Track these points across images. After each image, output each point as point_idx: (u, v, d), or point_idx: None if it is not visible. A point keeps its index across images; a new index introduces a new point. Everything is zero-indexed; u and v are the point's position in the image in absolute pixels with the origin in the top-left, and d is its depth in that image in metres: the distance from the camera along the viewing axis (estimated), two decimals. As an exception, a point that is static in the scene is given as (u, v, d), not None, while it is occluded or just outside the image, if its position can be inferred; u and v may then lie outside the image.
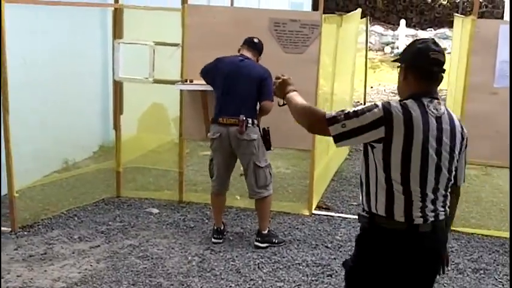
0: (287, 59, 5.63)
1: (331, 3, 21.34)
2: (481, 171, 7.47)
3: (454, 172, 2.73)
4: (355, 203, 6.31)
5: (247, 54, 5.12)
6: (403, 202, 2.63)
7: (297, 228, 5.54)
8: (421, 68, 2.68)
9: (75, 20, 6.89)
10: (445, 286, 4.55)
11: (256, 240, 5.13)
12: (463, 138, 2.75)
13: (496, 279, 4.69)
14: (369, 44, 19.92)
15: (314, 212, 5.90)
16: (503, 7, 20.73)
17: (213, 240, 5.18)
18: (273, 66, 5.60)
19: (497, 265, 4.95)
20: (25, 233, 5.26)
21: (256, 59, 5.17)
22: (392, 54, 18.83)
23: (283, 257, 4.92)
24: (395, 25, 20.50)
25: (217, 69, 5.10)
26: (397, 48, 19.03)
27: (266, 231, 5.15)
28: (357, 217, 5.78)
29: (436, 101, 2.70)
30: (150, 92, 6.44)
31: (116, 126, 6.18)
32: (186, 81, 5.78)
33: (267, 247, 5.08)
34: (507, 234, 5.56)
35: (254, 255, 4.94)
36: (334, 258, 4.93)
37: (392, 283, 2.73)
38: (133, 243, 5.10)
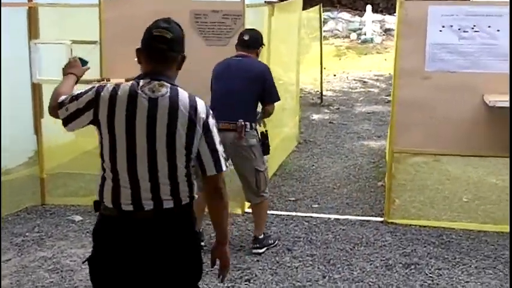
0: (210, 52, 5.34)
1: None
2: (430, 157, 7.23)
3: (183, 159, 2.52)
4: (292, 198, 6.06)
5: (243, 52, 4.80)
6: (111, 188, 2.55)
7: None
8: (146, 47, 2.56)
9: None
10: (370, 285, 4.31)
11: (255, 248, 4.84)
12: (191, 123, 2.51)
13: (427, 275, 4.45)
14: (336, 31, 19.79)
15: (247, 210, 5.63)
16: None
17: None
18: (195, 60, 5.24)
19: (430, 258, 4.71)
20: None
21: (256, 54, 4.85)
22: (360, 41, 18.58)
23: (203, 262, 4.63)
24: (362, 11, 20.22)
25: (213, 72, 4.83)
26: (365, 34, 18.77)
27: (262, 236, 4.89)
28: (291, 213, 5.63)
29: (156, 82, 2.51)
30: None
31: (37, 130, 5.87)
32: (104, 80, 5.47)
33: (265, 251, 4.84)
34: (446, 224, 5.36)
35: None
36: (258, 261, 4.67)
37: (127, 274, 2.59)
38: (47, 255, 4.79)
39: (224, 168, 2.60)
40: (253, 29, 4.99)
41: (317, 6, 11.02)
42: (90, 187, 6.39)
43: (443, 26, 5.09)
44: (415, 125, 5.26)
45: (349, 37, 18.96)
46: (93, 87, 2.59)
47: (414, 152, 5.75)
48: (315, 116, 9.91)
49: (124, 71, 5.16)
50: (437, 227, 5.29)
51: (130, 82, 2.56)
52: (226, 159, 2.64)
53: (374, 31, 18.90)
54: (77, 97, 2.60)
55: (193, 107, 2.52)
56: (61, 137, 5.89)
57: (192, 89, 5.34)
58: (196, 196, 2.65)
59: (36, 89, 5.78)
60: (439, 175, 6.70)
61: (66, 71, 2.97)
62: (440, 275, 4.45)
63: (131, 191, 2.53)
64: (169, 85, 2.54)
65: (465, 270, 4.51)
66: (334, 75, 13.93)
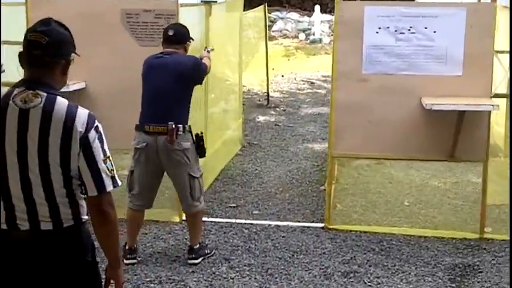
0: (143, 53, 5.10)
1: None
2: (373, 160, 7.16)
3: (59, 178, 2.29)
4: (233, 205, 5.89)
5: (169, 49, 4.54)
6: None
7: (162, 239, 5.07)
8: (23, 50, 2.33)
9: None
10: (307, 295, 4.18)
11: (190, 258, 4.61)
12: (66, 138, 2.25)
13: (365, 283, 4.34)
14: (284, 31, 19.72)
15: (185, 218, 5.44)
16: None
17: (125, 261, 4.52)
18: (128, 61, 5.14)
19: (370, 266, 4.60)
20: None
21: (184, 50, 4.61)
22: (308, 41, 18.55)
23: (135, 275, 4.43)
24: (311, 11, 20.21)
25: (142, 71, 4.56)
26: (313, 34, 18.76)
27: (198, 246, 4.66)
28: (231, 221, 5.46)
29: (30, 92, 2.29)
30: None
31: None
32: None
33: (201, 261, 4.62)
34: (387, 230, 5.28)
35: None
36: (193, 272, 4.48)
37: None
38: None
39: (109, 188, 2.32)
40: (179, 23, 4.81)
41: (262, 6, 10.89)
42: None
43: (379, 28, 5.00)
44: (353, 128, 5.16)
45: (298, 37, 18.92)
46: None
47: (352, 156, 5.65)
48: (261, 118, 9.77)
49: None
50: (378, 233, 5.20)
51: (6, 91, 2.34)
52: (113, 178, 2.34)
53: (323, 31, 18.91)
54: None
55: (69, 120, 2.26)
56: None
57: (126, 90, 5.20)
58: (85, 217, 2.40)
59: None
60: (382, 178, 6.63)
61: None
62: (380, 283, 4.35)
63: (5, 210, 2.33)
64: (45, 94, 2.29)
65: (404, 278, 4.42)
66: (282, 76, 13.83)
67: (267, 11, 10.97)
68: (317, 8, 19.17)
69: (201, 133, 4.63)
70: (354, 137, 5.15)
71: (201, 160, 6.16)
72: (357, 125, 5.13)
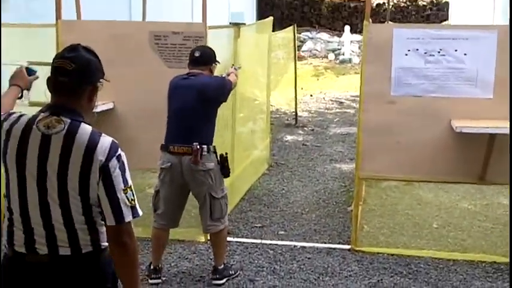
0: (170, 75, 5.16)
1: (277, 12, 21.02)
2: (402, 181, 7.09)
3: (78, 206, 2.28)
4: (259, 225, 5.87)
5: (195, 70, 4.58)
6: (7, 226, 2.37)
7: (187, 259, 5.07)
8: (50, 77, 2.35)
9: None
10: (332, 318, 4.13)
11: (215, 279, 4.62)
12: (86, 166, 2.23)
13: (392, 307, 4.29)
14: (314, 51, 19.76)
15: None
16: (447, 9, 20.60)
17: (150, 281, 4.57)
18: (156, 82, 5.19)
19: (397, 289, 4.55)
20: None
21: (210, 71, 4.63)
22: (338, 61, 18.56)
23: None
24: (341, 31, 20.24)
25: (168, 92, 4.61)
26: (343, 54, 18.78)
27: (222, 266, 4.66)
28: (256, 241, 5.44)
29: (54, 117, 2.29)
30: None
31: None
32: None
33: (225, 282, 4.63)
34: (415, 252, 5.20)
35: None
36: (217, 292, 4.48)
37: None
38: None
39: (127, 218, 2.28)
40: (205, 46, 4.84)
41: (291, 27, 10.95)
42: None
43: (408, 50, 4.97)
44: (381, 150, 5.11)
45: (327, 57, 18.96)
46: (10, 113, 2.40)
47: (380, 178, 5.61)
48: (289, 138, 9.76)
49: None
50: (406, 255, 5.12)
51: (32, 114, 2.36)
52: (133, 208, 2.31)
53: (352, 51, 18.91)
54: None
55: (90, 148, 2.25)
56: None
57: (153, 111, 5.23)
58: (106, 244, 2.37)
59: (-8, 112, 5.57)
60: (411, 199, 6.56)
61: (11, 81, 2.82)
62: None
63: (24, 234, 2.34)
64: (69, 121, 2.29)
65: (432, 302, 4.35)
66: (311, 96, 13.84)
67: (296, 31, 11.01)
68: (347, 28, 19.21)
69: (226, 154, 4.64)
70: (381, 159, 5.11)
71: (227, 180, 6.21)
72: (384, 147, 5.09)
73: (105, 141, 2.30)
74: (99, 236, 2.37)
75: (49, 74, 5.46)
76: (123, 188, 2.28)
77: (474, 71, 4.94)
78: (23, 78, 2.85)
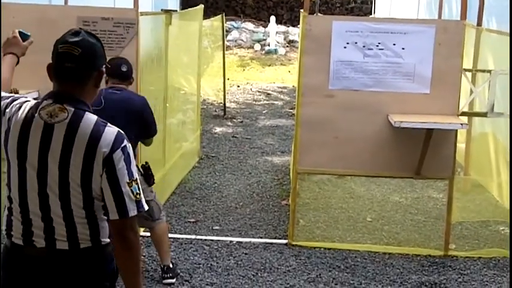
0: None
1: (201, 0, 20.71)
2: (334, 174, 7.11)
3: (79, 198, 2.20)
4: (192, 220, 5.71)
5: (120, 85, 4.35)
6: (6, 216, 2.30)
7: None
8: (53, 63, 2.24)
9: None
10: (273, 317, 4.04)
11: (167, 277, 4.45)
12: (89, 157, 2.14)
13: (332, 303, 4.24)
14: (239, 41, 19.63)
15: (142, 234, 5.22)
16: (371, 2, 20.95)
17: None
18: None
19: (336, 284, 4.51)
20: None
21: (129, 84, 4.44)
22: (264, 52, 18.51)
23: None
24: (266, 22, 20.20)
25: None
26: (268, 45, 18.73)
27: (172, 265, 4.51)
28: (190, 236, 5.28)
29: (57, 105, 2.19)
30: None
31: None
32: (12, 91, 4.89)
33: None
34: (351, 246, 5.20)
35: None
36: (152, 292, 4.29)
37: None
38: None
39: (132, 213, 2.18)
40: (125, 58, 4.56)
41: (220, 15, 10.78)
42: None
43: (347, 43, 4.93)
44: (319, 144, 5.06)
45: (253, 47, 18.85)
46: (10, 97, 2.31)
47: (318, 172, 5.57)
48: (218, 129, 9.61)
49: None
50: (342, 249, 5.11)
51: (34, 102, 2.23)
52: (137, 202, 2.20)
53: (278, 42, 18.90)
54: None
55: (94, 138, 2.15)
56: None
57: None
58: (106, 240, 2.28)
59: None
60: (343, 193, 6.56)
61: (5, 50, 2.57)
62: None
63: (22, 225, 2.24)
64: (72, 109, 2.18)
65: (371, 298, 4.34)
66: (238, 87, 13.71)
67: (224, 20, 10.84)
68: (272, 19, 19.17)
69: (147, 163, 4.48)
70: (319, 153, 5.05)
71: (159, 173, 5.99)
72: (323, 141, 5.03)
73: (110, 131, 2.20)
74: (100, 232, 2.26)
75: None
76: (127, 181, 2.18)
77: (412, 66, 4.95)
78: (18, 44, 2.61)
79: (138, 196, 2.21)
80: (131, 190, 2.19)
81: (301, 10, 5.31)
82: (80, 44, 2.20)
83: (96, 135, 2.16)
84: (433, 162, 4.93)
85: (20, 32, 2.66)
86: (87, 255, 2.26)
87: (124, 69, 4.38)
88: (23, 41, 2.65)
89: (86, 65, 2.22)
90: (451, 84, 4.87)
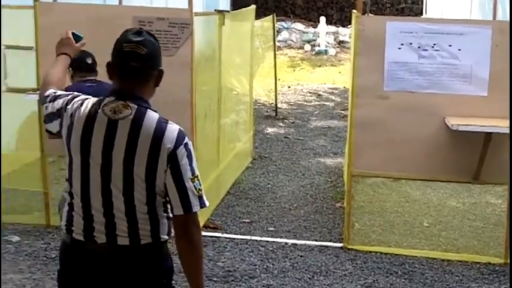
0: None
1: (251, 1, 20.76)
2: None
3: (142, 194, 2.22)
4: (247, 220, 5.72)
5: (93, 77, 4.50)
6: (66, 211, 2.32)
7: (175, 254, 4.87)
8: (117, 63, 2.26)
9: None
10: (331, 321, 4.00)
11: None
12: (153, 153, 2.17)
13: (390, 308, 4.18)
14: (289, 42, 19.59)
15: None
16: (422, 3, 20.65)
17: None
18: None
19: (393, 290, 4.44)
20: None
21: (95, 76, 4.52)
22: (314, 52, 18.42)
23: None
24: (316, 22, 20.11)
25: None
26: (318, 46, 18.63)
27: None
28: (245, 237, 5.28)
29: (120, 102, 2.22)
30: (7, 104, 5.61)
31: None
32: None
33: None
34: (408, 252, 5.11)
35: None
36: (210, 292, 4.31)
37: None
38: (-25, 284, 4.33)
39: (195, 208, 2.22)
40: (87, 52, 4.45)
41: (271, 16, 10.78)
42: (31, 204, 5.91)
43: (402, 44, 4.84)
44: (374, 146, 4.99)
45: (303, 48, 18.78)
46: (70, 94, 2.36)
47: (373, 174, 5.50)
48: (270, 130, 9.61)
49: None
50: (399, 255, 5.03)
51: (96, 98, 2.27)
52: (200, 197, 2.24)
53: (328, 43, 18.78)
54: (55, 98, 2.36)
55: (158, 135, 2.19)
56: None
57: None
58: (165, 237, 2.32)
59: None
60: (398, 197, 6.46)
61: (58, 50, 2.62)
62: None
63: (83, 221, 2.27)
64: (136, 106, 2.22)
65: (430, 305, 4.26)
66: (289, 87, 13.69)
67: (275, 20, 10.82)
68: (322, 19, 19.05)
69: None
70: (374, 155, 4.99)
71: (214, 173, 6.01)
72: (377, 143, 4.97)
73: (173, 129, 2.23)
74: (160, 228, 2.29)
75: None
76: (190, 176, 2.22)
77: (468, 68, 4.84)
78: (71, 45, 2.65)
79: (200, 192, 2.24)
80: (194, 186, 2.22)
81: (353, 11, 5.25)
82: (145, 44, 2.23)
83: (160, 131, 2.19)
84: (492, 166, 4.82)
85: (73, 33, 2.69)
86: (147, 251, 2.28)
87: (89, 61, 4.46)
88: (76, 42, 2.68)
89: (150, 64, 2.26)
90: (509, 87, 4.72)
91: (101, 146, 2.20)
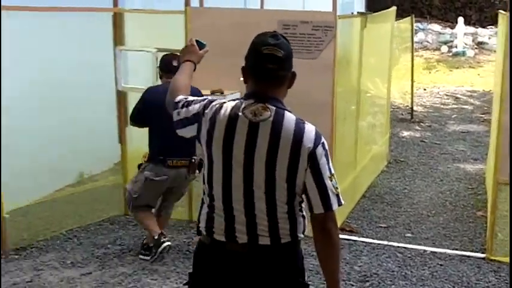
0: (299, 66, 4.94)
1: (386, 2, 20.41)
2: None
3: (283, 194, 2.24)
4: (383, 225, 5.63)
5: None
6: (206, 213, 2.38)
7: (312, 256, 4.91)
8: (253, 66, 2.31)
9: (76, 28, 6.21)
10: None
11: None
12: (294, 153, 2.21)
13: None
14: (425, 43, 19.03)
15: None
16: None
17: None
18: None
19: (542, 306, 4.19)
20: (16, 256, 4.86)
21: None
22: (451, 54, 17.77)
23: None
24: (453, 23, 19.37)
25: (149, 102, 4.62)
26: (455, 47, 17.93)
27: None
28: (382, 242, 5.20)
29: (260, 104, 2.24)
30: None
31: (122, 139, 5.73)
32: (217, 91, 5.25)
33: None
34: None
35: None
36: (346, 295, 4.30)
37: None
38: (127, 271, 4.61)
39: (334, 206, 2.26)
40: (173, 54, 4.74)
41: (409, 17, 10.54)
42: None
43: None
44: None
45: (439, 49, 18.16)
46: (205, 98, 2.42)
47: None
48: (405, 133, 9.40)
49: (207, 83, 4.95)
50: (551, 268, 4.73)
51: (234, 102, 2.33)
52: (337, 195, 2.28)
53: (466, 44, 18.03)
54: (188, 104, 2.43)
55: (298, 136, 2.23)
56: (145, 146, 5.71)
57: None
58: (301, 236, 2.36)
59: (121, 96, 5.64)
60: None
61: (183, 58, 2.74)
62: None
63: (225, 222, 2.33)
64: (274, 108, 2.27)
65: None
66: (425, 90, 13.32)
67: (413, 22, 10.57)
68: (460, 19, 18.31)
69: (201, 159, 4.60)
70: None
71: (351, 175, 5.98)
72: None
73: (310, 129, 2.28)
74: (297, 227, 2.34)
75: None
76: (329, 175, 2.27)
77: None
78: (195, 52, 2.73)
79: (337, 190, 2.28)
80: (332, 184, 2.26)
81: (500, 11, 5.00)
82: (282, 46, 2.27)
83: (299, 132, 2.23)
84: None
85: (196, 41, 2.76)
86: (286, 250, 2.33)
87: (175, 64, 4.48)
88: (200, 49, 2.75)
89: (286, 67, 2.30)
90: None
91: (243, 148, 2.25)
